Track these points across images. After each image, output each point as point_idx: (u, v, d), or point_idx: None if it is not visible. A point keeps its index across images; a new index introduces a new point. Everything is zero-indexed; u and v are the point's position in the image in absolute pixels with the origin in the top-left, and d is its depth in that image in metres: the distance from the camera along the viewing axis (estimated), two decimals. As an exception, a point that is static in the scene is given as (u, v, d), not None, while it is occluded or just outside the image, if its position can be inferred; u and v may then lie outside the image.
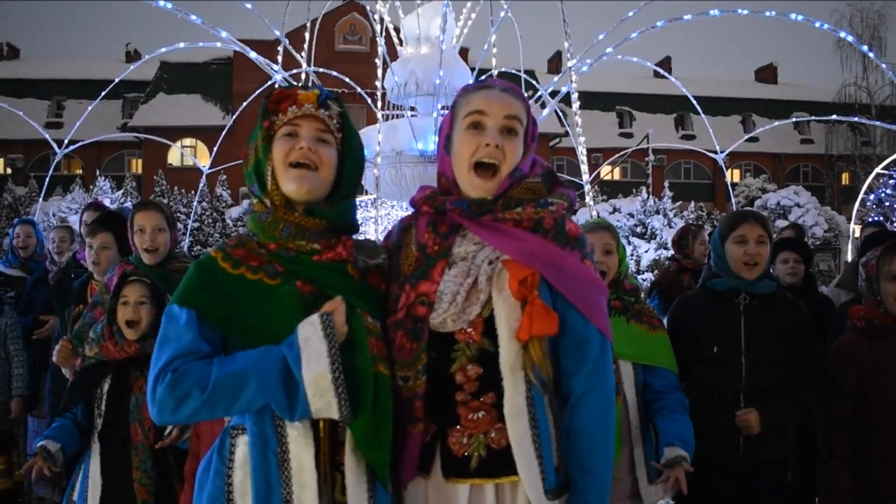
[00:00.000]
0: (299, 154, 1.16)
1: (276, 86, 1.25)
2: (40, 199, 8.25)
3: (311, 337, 1.08)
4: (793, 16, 4.81)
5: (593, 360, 1.18)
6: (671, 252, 3.81)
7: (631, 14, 4.73)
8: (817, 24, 4.90)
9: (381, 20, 4.90)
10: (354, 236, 1.26)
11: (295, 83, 5.03)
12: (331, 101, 1.22)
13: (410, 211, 1.34)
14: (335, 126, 1.22)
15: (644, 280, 11.27)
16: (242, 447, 1.12)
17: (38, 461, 1.84)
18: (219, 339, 1.14)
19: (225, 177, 18.44)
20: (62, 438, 1.92)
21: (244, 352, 1.11)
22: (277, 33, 4.80)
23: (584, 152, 4.72)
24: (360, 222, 1.30)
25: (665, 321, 2.22)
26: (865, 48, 6.51)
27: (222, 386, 1.08)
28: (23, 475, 3.17)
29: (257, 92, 4.00)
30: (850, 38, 5.49)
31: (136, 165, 23.75)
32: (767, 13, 4.74)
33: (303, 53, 4.82)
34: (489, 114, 1.19)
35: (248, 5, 4.68)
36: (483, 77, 4.05)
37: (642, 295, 2.14)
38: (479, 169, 1.19)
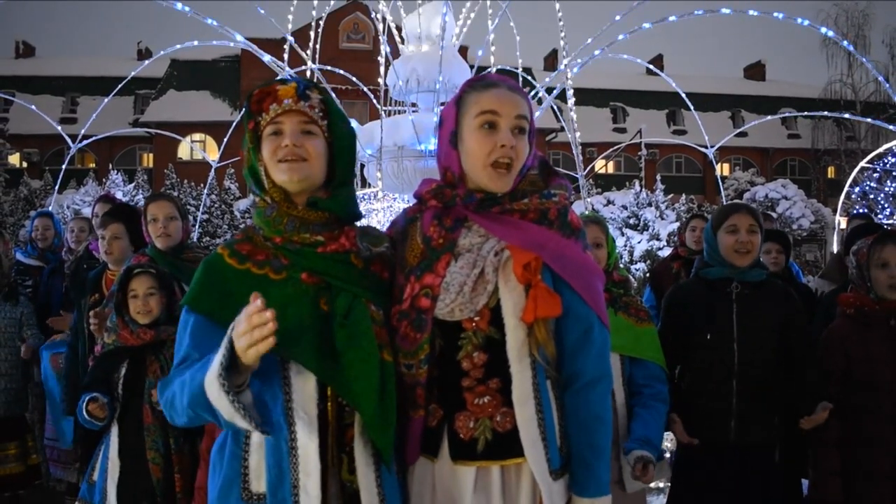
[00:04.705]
0: (285, 152, 1.17)
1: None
2: (55, 192, 8.24)
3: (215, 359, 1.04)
4: (780, 15, 4.97)
5: (599, 345, 1.22)
6: (664, 243, 3.94)
7: (624, 13, 4.87)
8: (804, 23, 5.06)
9: (384, 19, 5.01)
10: (357, 224, 1.28)
11: (298, 77, 5.06)
12: (310, 91, 1.20)
13: (413, 203, 1.35)
14: (318, 115, 1.20)
15: (637, 270, 11.48)
16: (258, 433, 1.13)
17: (92, 404, 1.93)
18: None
19: (233, 170, 18.53)
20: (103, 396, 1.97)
21: (194, 368, 1.09)
22: (284, 32, 4.90)
23: (579, 147, 4.83)
24: (363, 215, 1.31)
25: (656, 311, 2.32)
26: (850, 46, 6.69)
27: (175, 401, 1.12)
28: (38, 459, 3.27)
29: (264, 89, 4.08)
30: (835, 37, 5.65)
31: (148, 159, 23.91)
32: (756, 13, 4.89)
33: (308, 51, 4.92)
34: (502, 114, 1.21)
35: (256, 5, 4.80)
36: (482, 74, 4.18)
37: (634, 286, 2.24)
38: (495, 166, 1.21)
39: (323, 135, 1.22)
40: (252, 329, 0.98)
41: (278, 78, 1.26)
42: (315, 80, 5.02)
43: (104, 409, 1.95)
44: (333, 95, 1.35)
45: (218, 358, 1.01)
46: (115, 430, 2.02)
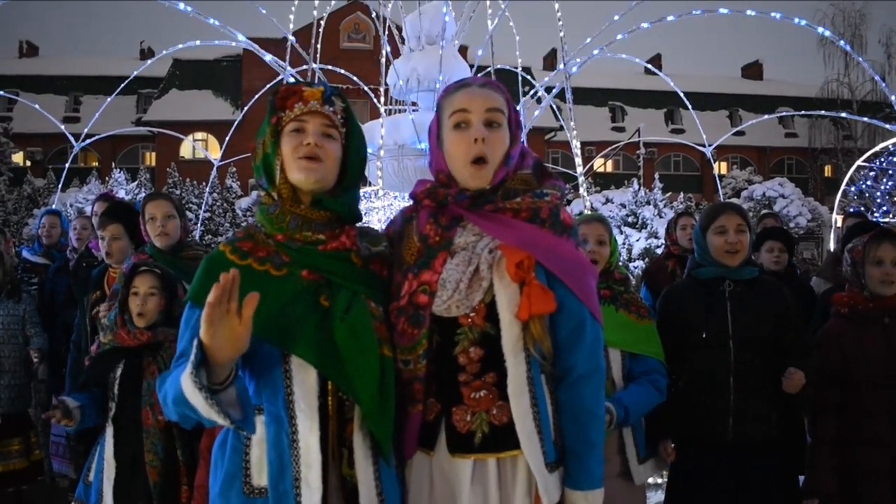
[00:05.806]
0: (307, 150, 1.20)
1: (284, 82, 1.34)
2: (58, 191, 8.26)
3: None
4: (778, 15, 5.02)
5: (591, 340, 1.24)
6: (662, 241, 3.93)
7: (623, 13, 4.91)
8: (802, 23, 5.10)
9: (384, 19, 5.05)
10: (357, 224, 1.30)
11: (302, 79, 5.14)
12: (335, 97, 1.25)
13: (412, 202, 1.38)
14: (339, 121, 1.25)
15: (635, 267, 11.55)
16: (259, 426, 1.17)
17: (56, 413, 1.87)
18: None
19: (235, 169, 18.67)
20: (82, 402, 1.95)
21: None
22: (285, 32, 4.94)
23: (578, 145, 4.86)
24: (364, 213, 1.35)
25: (652, 310, 2.34)
26: (847, 46, 6.75)
27: (167, 399, 1.12)
28: (41, 455, 3.28)
29: (266, 88, 4.15)
30: (832, 37, 5.69)
31: (150, 158, 24.07)
32: (754, 12, 4.94)
33: (309, 51, 4.96)
34: (471, 110, 1.24)
35: (258, 5, 4.84)
36: (480, 75, 4.24)
37: (633, 284, 2.18)
38: (473, 163, 1.24)
39: (340, 140, 1.26)
40: (212, 315, 1.01)
41: (301, 81, 1.30)
42: (316, 79, 5.06)
43: (71, 416, 1.89)
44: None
45: (189, 356, 1.05)
46: (109, 431, 2.00)
